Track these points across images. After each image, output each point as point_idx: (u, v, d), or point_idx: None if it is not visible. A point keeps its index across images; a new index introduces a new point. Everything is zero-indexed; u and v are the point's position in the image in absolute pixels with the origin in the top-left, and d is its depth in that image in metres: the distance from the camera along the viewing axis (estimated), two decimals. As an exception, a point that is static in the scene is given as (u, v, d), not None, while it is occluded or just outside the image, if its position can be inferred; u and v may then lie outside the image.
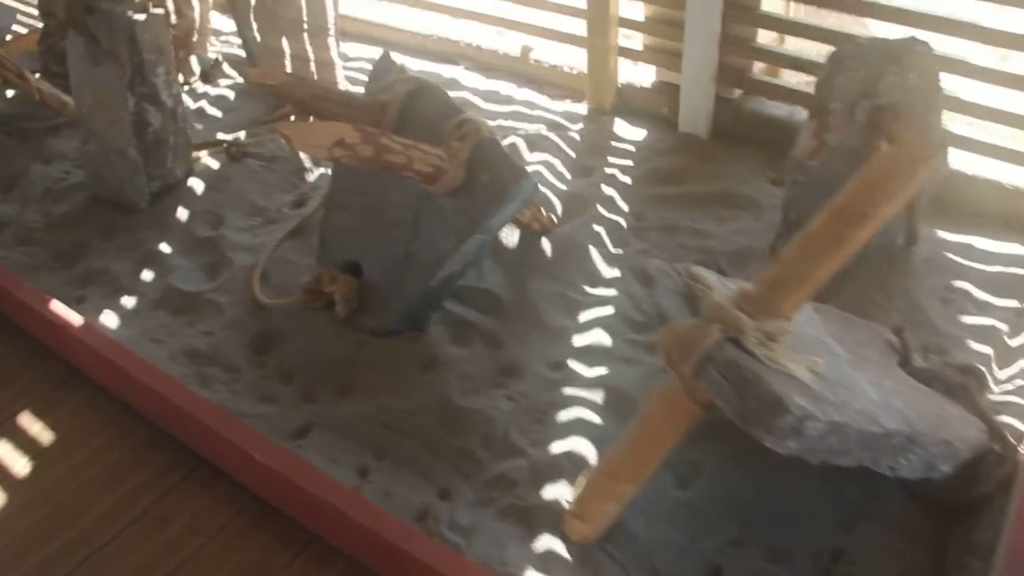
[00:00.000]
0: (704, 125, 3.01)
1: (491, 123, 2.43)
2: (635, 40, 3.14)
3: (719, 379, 1.52)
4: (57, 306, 2.46)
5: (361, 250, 2.40)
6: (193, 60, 3.75)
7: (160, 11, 2.81)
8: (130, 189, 2.86)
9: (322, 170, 2.99)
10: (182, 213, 2.84)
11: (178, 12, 3.75)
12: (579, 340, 2.30)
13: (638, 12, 3.04)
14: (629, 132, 3.09)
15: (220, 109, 3.44)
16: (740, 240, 2.59)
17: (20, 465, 2.24)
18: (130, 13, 2.71)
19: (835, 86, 2.27)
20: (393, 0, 3.73)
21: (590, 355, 2.25)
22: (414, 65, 3.60)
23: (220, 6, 4.03)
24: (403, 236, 2.29)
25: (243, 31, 3.23)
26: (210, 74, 3.65)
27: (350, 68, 3.45)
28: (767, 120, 2.96)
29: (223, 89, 3.57)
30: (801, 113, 2.88)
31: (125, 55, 2.68)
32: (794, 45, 3.02)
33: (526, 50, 3.40)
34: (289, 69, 3.26)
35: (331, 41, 3.33)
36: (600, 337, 2.30)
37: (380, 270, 2.34)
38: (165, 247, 2.72)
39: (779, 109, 2.96)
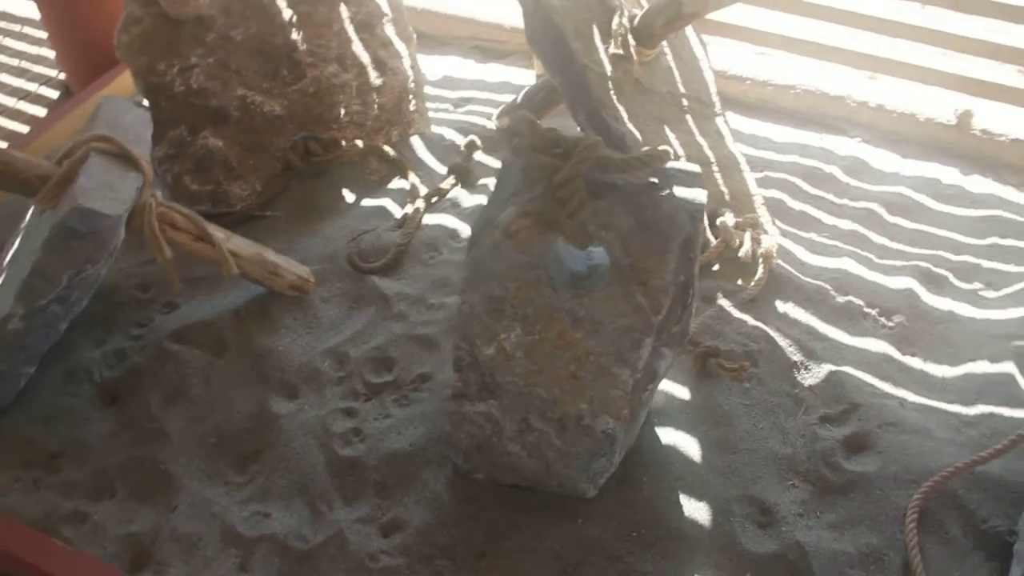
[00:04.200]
0: None
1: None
2: None
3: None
4: None
5: None
6: (418, 143, 2.27)
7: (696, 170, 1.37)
8: (574, 473, 1.52)
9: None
10: (681, 501, 1.56)
11: (379, 66, 2.23)
12: None
13: None
14: None
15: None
16: None
17: None
18: (687, 194, 1.31)
19: None
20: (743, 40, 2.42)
21: None
22: (781, 136, 2.37)
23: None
24: None
25: (604, 121, 1.84)
26: (467, 168, 2.19)
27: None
28: None
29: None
30: None
31: (666, 276, 1.31)
32: None
33: (966, 116, 2.31)
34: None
35: (722, 125, 2.04)
36: None
37: None
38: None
39: None
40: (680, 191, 1.34)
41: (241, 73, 2.11)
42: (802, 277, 1.95)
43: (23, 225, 1.92)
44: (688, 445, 1.65)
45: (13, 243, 1.87)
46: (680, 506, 1.56)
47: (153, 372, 1.80)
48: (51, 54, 2.83)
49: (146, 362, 1.81)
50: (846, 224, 2.13)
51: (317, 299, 1.92)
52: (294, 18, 2.17)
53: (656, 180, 1.34)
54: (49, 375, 1.78)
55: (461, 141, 2.26)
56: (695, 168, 1.39)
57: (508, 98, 2.39)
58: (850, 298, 1.93)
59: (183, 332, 1.85)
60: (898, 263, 2.03)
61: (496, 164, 2.24)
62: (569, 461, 1.51)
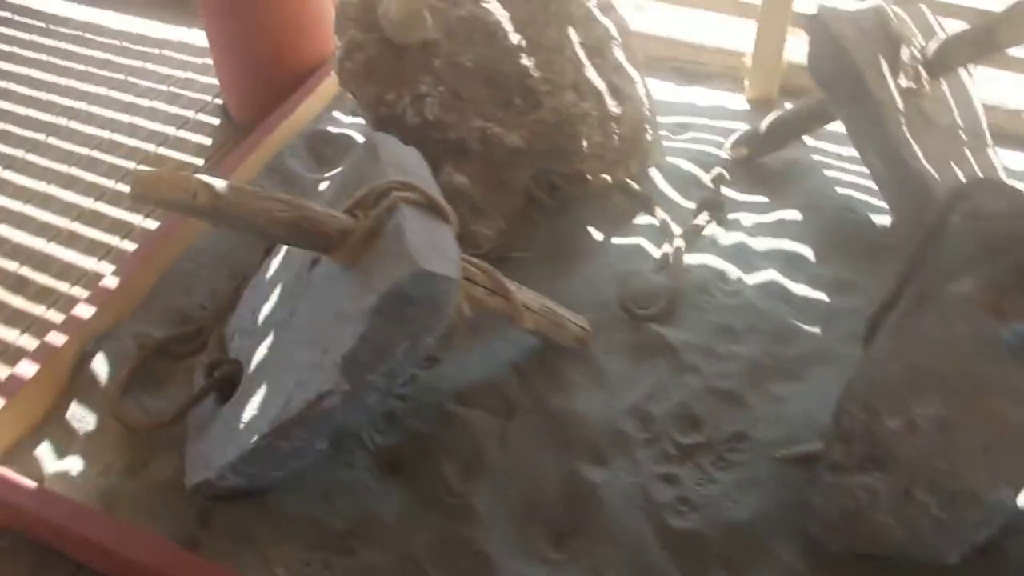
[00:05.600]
0: None
1: None
2: None
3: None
4: None
5: None
6: (656, 175, 2.14)
7: None
8: (946, 542, 1.40)
9: None
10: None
11: (616, 94, 2.09)
12: None
13: None
14: None
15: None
16: None
17: None
18: None
19: None
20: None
21: None
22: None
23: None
24: None
25: (902, 159, 1.72)
26: (720, 202, 2.05)
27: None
28: None
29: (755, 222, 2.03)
30: None
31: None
32: None
33: None
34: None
35: (993, 157, 1.94)
36: None
37: None
38: None
39: None
40: None
41: (475, 102, 1.96)
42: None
43: (268, 276, 1.76)
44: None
45: (262, 298, 1.71)
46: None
47: (437, 437, 1.65)
48: (199, 78, 2.65)
49: (425, 426, 1.66)
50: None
51: (598, 351, 1.77)
52: (523, 42, 2.02)
53: None
54: (319, 443, 1.63)
55: (697, 171, 2.13)
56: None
57: (727, 125, 2.27)
58: None
59: (463, 393, 1.70)
60: None
61: (741, 197, 2.10)
62: (946, 531, 1.38)
